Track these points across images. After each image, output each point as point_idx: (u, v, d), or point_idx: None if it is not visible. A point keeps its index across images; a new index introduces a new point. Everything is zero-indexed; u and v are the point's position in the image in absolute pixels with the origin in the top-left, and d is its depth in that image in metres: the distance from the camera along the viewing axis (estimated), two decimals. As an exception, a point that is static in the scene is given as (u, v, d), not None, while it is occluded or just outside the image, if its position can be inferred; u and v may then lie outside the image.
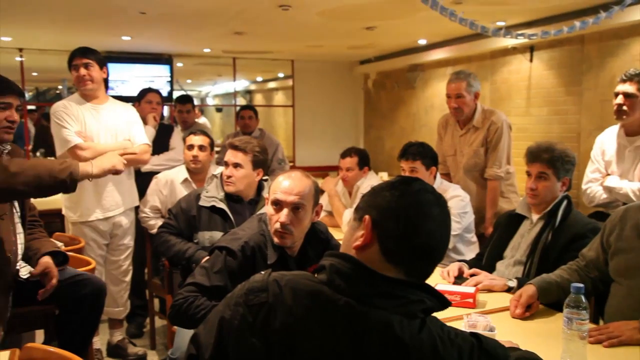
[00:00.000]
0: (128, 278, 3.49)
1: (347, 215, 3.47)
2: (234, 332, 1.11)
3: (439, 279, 2.36)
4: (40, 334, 2.61)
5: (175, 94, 6.65)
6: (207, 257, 2.55)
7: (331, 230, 2.33)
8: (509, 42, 4.99)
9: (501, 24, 4.79)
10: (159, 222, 3.32)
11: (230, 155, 2.70)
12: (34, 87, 9.79)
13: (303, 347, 1.07)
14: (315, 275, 1.14)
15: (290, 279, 1.13)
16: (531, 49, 5.24)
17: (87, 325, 2.33)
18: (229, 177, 2.69)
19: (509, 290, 2.20)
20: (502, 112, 3.51)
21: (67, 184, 2.07)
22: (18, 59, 6.40)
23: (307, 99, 7.87)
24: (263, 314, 1.09)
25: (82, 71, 3.11)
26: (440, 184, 3.12)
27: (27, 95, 7.20)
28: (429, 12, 3.44)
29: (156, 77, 6.89)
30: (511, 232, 2.47)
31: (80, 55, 3.13)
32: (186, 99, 4.73)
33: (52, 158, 2.06)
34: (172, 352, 2.38)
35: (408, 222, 1.11)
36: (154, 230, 3.31)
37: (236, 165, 2.68)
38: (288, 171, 2.05)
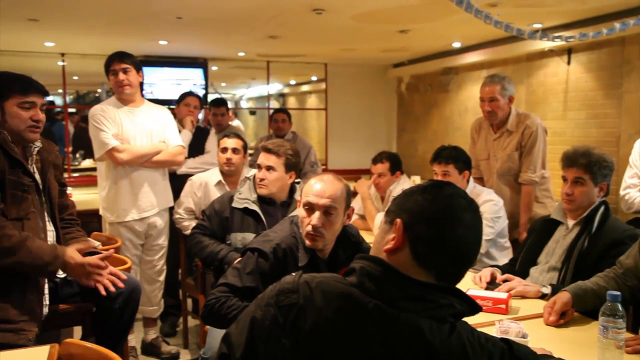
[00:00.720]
0: (162, 278, 3.56)
1: (379, 218, 3.46)
2: (264, 333, 1.12)
3: (471, 284, 2.34)
4: (77, 330, 2.68)
5: (210, 97, 6.75)
6: (240, 259, 2.60)
7: (363, 234, 2.33)
8: (545, 44, 4.90)
9: (537, 26, 4.72)
10: (193, 224, 3.37)
11: (263, 158, 2.73)
12: (74, 90, 10.05)
13: (332, 348, 1.08)
14: (346, 278, 1.14)
15: (320, 281, 1.14)
16: (569, 51, 5.13)
17: (122, 323, 2.38)
18: (261, 179, 2.72)
19: (543, 296, 2.16)
20: (538, 116, 3.45)
21: (45, 274, 2.13)
22: (60, 63, 6.60)
23: (340, 102, 7.89)
24: (293, 315, 1.10)
25: (121, 76, 3.19)
26: (473, 188, 3.08)
27: (68, 98, 7.41)
28: (464, 14, 3.41)
29: (191, 80, 7.01)
30: (546, 238, 2.43)
31: (118, 60, 3.21)
32: (220, 102, 4.80)
33: (36, 241, 2.05)
34: (204, 352, 2.42)
35: (440, 226, 1.11)
36: (188, 231, 3.36)
37: (269, 168, 2.71)
38: (320, 174, 2.06)
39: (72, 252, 2.17)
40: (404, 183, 3.64)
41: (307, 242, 1.97)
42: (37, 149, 2.26)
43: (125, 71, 3.20)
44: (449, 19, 4.55)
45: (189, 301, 3.96)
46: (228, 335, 1.21)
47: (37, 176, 2.24)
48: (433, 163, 3.04)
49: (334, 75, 7.83)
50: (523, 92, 5.63)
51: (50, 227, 2.29)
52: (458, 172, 2.99)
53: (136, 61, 3.28)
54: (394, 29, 5.05)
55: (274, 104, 10.30)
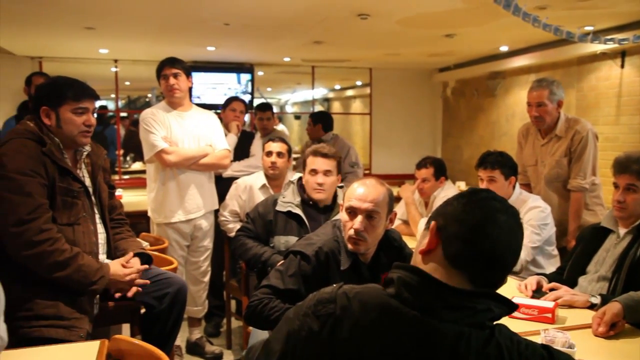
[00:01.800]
0: (207, 279, 3.63)
1: (423, 224, 3.44)
2: (300, 343, 1.13)
3: (516, 292, 2.30)
4: (125, 328, 2.76)
5: (256, 102, 6.85)
6: (282, 261, 2.63)
7: (406, 239, 2.32)
8: (597, 47, 4.75)
9: (589, 28, 4.58)
10: (237, 226, 3.43)
11: (321, 163, 2.75)
12: (125, 95, 10.38)
13: (370, 359, 1.08)
14: (386, 289, 1.15)
15: (359, 292, 1.14)
16: (622, 54, 4.96)
17: (169, 322, 2.43)
18: (320, 184, 2.74)
19: (592, 307, 2.10)
20: (588, 121, 3.35)
21: (88, 291, 2.16)
22: (113, 69, 6.84)
23: (385, 106, 7.86)
24: (330, 324, 1.11)
25: (172, 81, 3.28)
26: (519, 195, 3.02)
27: (120, 103, 7.67)
28: (511, 18, 3.36)
29: (237, 85, 7.12)
30: (596, 246, 2.35)
31: (170, 65, 3.30)
32: (266, 107, 4.87)
33: (86, 259, 2.15)
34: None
35: (472, 225, 1.11)
36: (233, 234, 3.43)
37: (326, 172, 2.74)
38: (363, 178, 2.07)
39: (116, 269, 2.24)
40: (449, 189, 3.60)
41: (350, 246, 1.98)
42: (86, 153, 2.32)
43: (175, 76, 3.29)
44: (496, 23, 4.47)
45: (233, 302, 4.02)
46: (268, 342, 1.22)
47: (87, 180, 2.31)
48: (478, 168, 3.00)
49: (379, 80, 7.82)
50: (573, 96, 5.48)
51: (101, 229, 2.36)
52: (504, 177, 2.94)
53: (186, 66, 3.36)
54: (439, 34, 5.00)
55: (319, 109, 10.35)
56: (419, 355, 1.06)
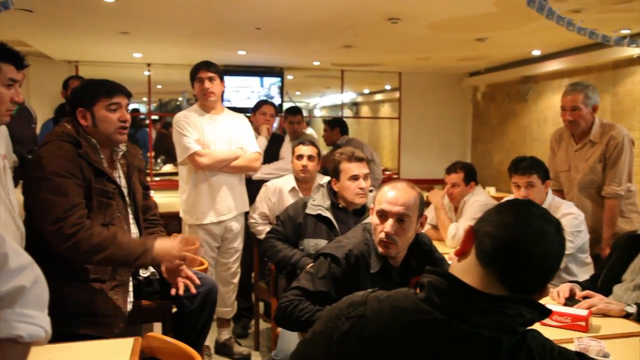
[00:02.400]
0: (236, 280, 3.67)
1: (452, 229, 3.41)
2: (334, 345, 1.15)
3: (548, 299, 2.26)
4: (157, 327, 2.81)
5: (285, 106, 6.90)
6: (312, 264, 2.64)
7: (435, 244, 2.31)
8: (633, 51, 4.65)
9: (625, 32, 4.49)
10: (267, 228, 3.46)
11: (361, 167, 2.77)
12: (157, 98, 10.56)
13: None
14: (416, 293, 1.16)
15: (389, 296, 1.17)
16: (660, 58, 4.86)
17: (200, 322, 2.46)
18: (363, 189, 2.75)
19: (627, 316, 2.06)
20: (624, 127, 3.29)
21: (135, 267, 2.21)
22: (146, 73, 6.98)
23: (414, 111, 7.83)
24: (359, 326, 1.13)
25: (207, 84, 3.32)
26: (552, 200, 2.98)
27: (152, 106, 7.81)
28: (544, 21, 3.32)
29: (261, 89, 7.18)
30: (631, 255, 2.30)
31: (205, 68, 3.34)
32: (296, 110, 4.92)
33: (126, 236, 2.21)
34: (276, 354, 2.48)
35: (502, 223, 1.13)
36: (262, 236, 3.45)
37: (366, 177, 2.77)
38: (394, 182, 2.07)
39: (162, 242, 2.24)
40: (479, 194, 3.57)
41: (380, 249, 1.98)
42: (122, 153, 2.35)
43: (211, 79, 3.33)
44: (529, 27, 4.43)
45: (261, 304, 4.04)
46: (302, 342, 1.25)
47: (122, 180, 2.35)
48: (514, 174, 2.95)
49: (408, 84, 7.79)
50: (608, 101, 5.37)
51: (134, 229, 2.40)
52: (541, 182, 2.90)
53: (220, 70, 3.41)
54: (471, 37, 4.97)
55: (347, 113, 10.37)
56: (444, 359, 1.06)
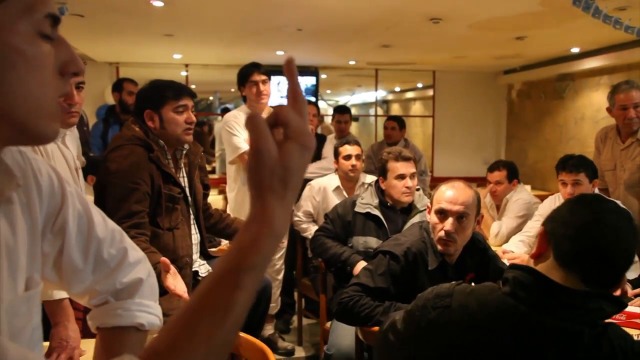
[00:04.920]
0: (280, 276, 3.74)
1: (495, 227, 3.44)
2: (421, 330, 1.23)
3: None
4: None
5: (320, 105, 6.96)
6: (362, 261, 2.70)
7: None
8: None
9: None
10: (311, 226, 3.54)
11: (409, 167, 2.82)
12: (191, 98, 10.72)
13: (482, 351, 1.15)
14: (500, 288, 1.21)
15: (475, 289, 1.22)
16: None
17: (256, 317, 2.55)
18: (409, 188, 2.81)
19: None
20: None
21: None
22: (183, 73, 7.12)
23: (447, 109, 7.81)
24: (446, 316, 1.20)
25: (261, 86, 3.38)
26: (598, 200, 2.98)
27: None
28: (587, 18, 3.31)
29: (303, 88, 7.24)
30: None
31: (259, 71, 3.40)
32: (345, 110, 4.99)
33: (148, 253, 2.04)
34: (328, 348, 2.54)
35: (579, 225, 1.15)
36: (306, 234, 3.53)
37: (412, 175, 2.82)
38: (450, 181, 2.12)
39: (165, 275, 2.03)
40: (521, 192, 3.59)
41: (439, 247, 2.03)
42: (185, 152, 2.39)
43: (264, 82, 3.40)
44: (570, 24, 4.40)
45: (303, 301, 4.12)
46: (394, 325, 1.33)
47: (185, 181, 2.39)
48: (561, 172, 2.96)
49: (442, 82, 7.78)
50: (650, 99, 5.30)
51: (194, 230, 2.46)
52: (589, 180, 2.91)
53: (269, 72, 3.48)
54: (510, 36, 4.96)
55: (379, 111, 10.38)
56: (531, 350, 1.11)
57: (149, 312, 1.03)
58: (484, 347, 1.15)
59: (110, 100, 5.16)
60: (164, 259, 1.97)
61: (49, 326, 1.69)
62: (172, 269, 1.98)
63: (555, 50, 5.93)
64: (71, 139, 2.11)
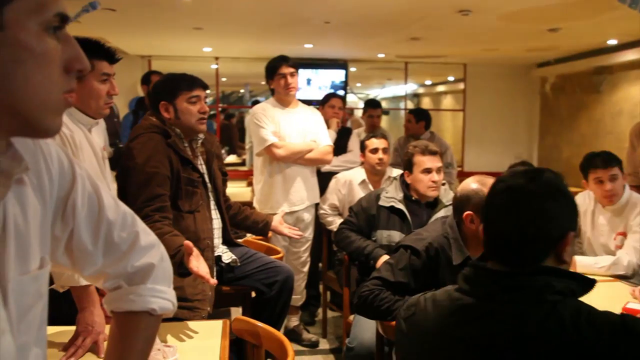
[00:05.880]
0: (306, 269, 3.75)
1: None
2: (403, 343, 1.37)
3: (629, 297, 2.23)
4: (235, 311, 2.94)
5: (349, 98, 6.95)
6: (385, 255, 2.69)
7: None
8: None
9: None
10: (336, 219, 3.54)
11: (435, 161, 2.80)
12: (220, 91, 10.86)
13: (444, 348, 1.22)
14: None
15: (434, 293, 1.30)
16: None
17: (277, 308, 2.56)
18: (435, 182, 2.79)
19: None
20: None
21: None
22: (213, 66, 7.18)
23: (479, 103, 7.70)
24: (412, 325, 1.31)
25: (290, 79, 3.39)
26: (629, 196, 2.89)
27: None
28: (624, 10, 3.22)
29: (332, 81, 7.24)
30: None
31: (287, 64, 3.40)
32: (377, 104, 4.98)
33: (172, 236, 2.14)
34: (350, 341, 2.54)
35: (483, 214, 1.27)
36: (332, 227, 3.53)
37: (438, 170, 2.80)
38: (482, 178, 2.07)
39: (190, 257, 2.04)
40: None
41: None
42: (200, 141, 2.46)
43: (292, 75, 3.40)
44: (607, 15, 4.27)
45: (328, 293, 4.13)
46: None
47: (203, 168, 2.46)
48: (594, 169, 2.82)
49: (474, 75, 7.67)
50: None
51: (215, 215, 2.50)
52: (621, 173, 2.83)
53: (297, 64, 3.48)
54: (543, 28, 4.85)
55: (409, 105, 10.30)
56: (482, 339, 1.15)
57: (161, 297, 1.04)
58: (443, 347, 1.21)
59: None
60: (187, 242, 2.00)
61: (75, 311, 1.74)
62: (195, 251, 2.01)
63: (591, 43, 5.78)
64: (98, 130, 2.16)
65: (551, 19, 4.50)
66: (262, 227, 2.80)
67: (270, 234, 3.27)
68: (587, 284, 1.15)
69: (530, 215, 1.16)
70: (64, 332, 1.74)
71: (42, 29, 0.68)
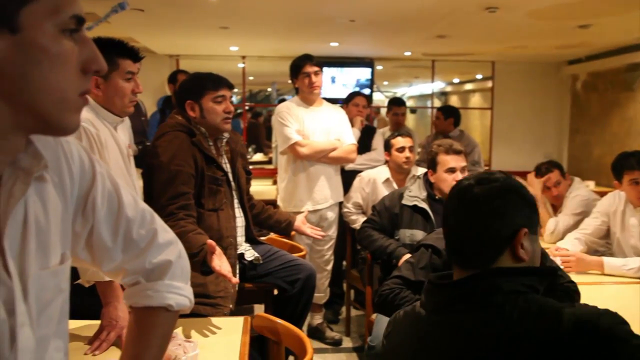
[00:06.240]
0: (329, 267, 3.76)
1: (552, 224, 3.32)
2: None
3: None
4: (258, 308, 2.96)
5: (374, 96, 6.93)
6: (407, 254, 2.68)
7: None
8: None
9: None
10: (360, 218, 3.54)
11: (459, 160, 2.77)
12: (248, 89, 10.94)
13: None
14: None
15: (406, 309, 1.31)
16: None
17: (299, 305, 2.57)
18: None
19: None
20: None
21: (195, 264, 2.05)
22: (240, 65, 7.24)
23: (507, 101, 7.59)
24: (388, 341, 1.33)
25: (314, 78, 3.41)
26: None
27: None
28: (658, 6, 3.13)
29: (358, 80, 7.22)
30: None
31: (311, 63, 3.41)
32: (401, 102, 4.97)
33: (196, 234, 2.17)
34: (372, 340, 2.53)
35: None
36: (355, 225, 3.53)
37: (463, 169, 2.78)
38: None
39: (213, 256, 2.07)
40: (579, 188, 3.48)
41: None
42: (225, 140, 2.49)
43: (316, 73, 3.41)
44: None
45: (352, 291, 4.13)
46: None
47: (227, 166, 2.49)
48: (631, 170, 2.71)
49: (502, 73, 7.55)
50: None
51: (239, 213, 2.53)
52: None
53: (321, 63, 3.49)
54: (573, 25, 4.75)
55: (436, 103, 10.22)
56: (435, 351, 1.15)
57: (178, 294, 1.06)
58: (410, 356, 1.22)
59: (171, 91, 5.34)
60: (210, 240, 2.02)
61: (100, 306, 1.78)
62: (218, 250, 2.04)
63: (624, 39, 5.63)
64: (124, 128, 2.20)
65: (581, 15, 4.41)
66: (285, 227, 2.82)
67: (293, 232, 3.29)
68: (547, 274, 1.15)
69: (477, 214, 1.17)
70: (89, 325, 1.78)
71: (58, 31, 0.70)
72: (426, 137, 5.46)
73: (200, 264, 2.10)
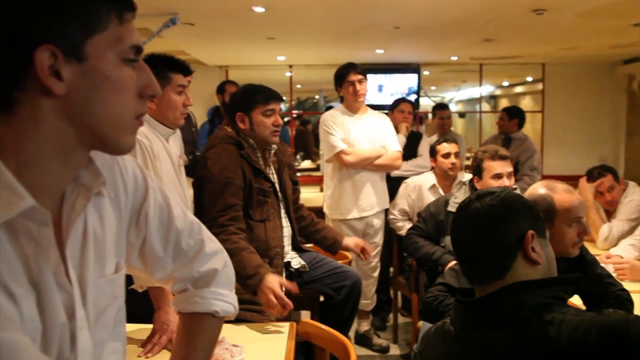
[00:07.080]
0: (376, 274, 3.77)
1: (605, 230, 3.21)
2: None
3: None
4: (304, 315, 3.00)
5: (422, 102, 6.89)
6: (454, 261, 2.66)
7: (586, 245, 2.23)
8: None
9: None
10: (406, 224, 3.54)
11: (505, 166, 2.75)
12: (295, 97, 11.06)
13: None
14: None
15: (437, 325, 1.31)
16: None
17: (345, 312, 2.60)
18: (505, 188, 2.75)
19: None
20: None
21: (246, 285, 2.13)
22: (288, 74, 7.35)
23: (559, 103, 7.38)
24: (422, 357, 1.33)
25: (358, 86, 3.44)
26: None
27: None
28: None
29: (405, 85, 7.20)
30: None
31: (355, 71, 3.45)
32: (444, 106, 4.97)
33: (249, 253, 2.22)
34: (417, 348, 2.54)
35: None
36: (402, 232, 3.53)
37: (509, 175, 2.75)
38: (553, 183, 2.02)
39: (272, 280, 2.12)
40: (635, 192, 3.35)
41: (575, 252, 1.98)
42: (273, 151, 2.54)
43: (360, 82, 3.45)
44: (700, 7, 3.99)
45: (400, 298, 4.12)
46: None
47: (274, 177, 2.54)
48: None
49: (552, 75, 7.36)
50: None
51: (285, 223, 2.58)
52: None
53: (365, 71, 3.52)
54: (625, 23, 4.59)
55: (485, 107, 10.05)
56: None
57: (224, 300, 1.12)
58: None
59: (222, 102, 5.48)
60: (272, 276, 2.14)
61: (152, 310, 1.87)
62: (275, 283, 2.12)
63: (682, 36, 5.40)
64: (175, 139, 2.30)
65: (634, 14, 4.26)
66: (330, 245, 2.80)
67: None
68: (570, 282, 1.14)
69: (480, 225, 1.19)
70: (143, 329, 1.87)
71: (119, 60, 0.78)
72: (488, 138, 5.41)
73: (252, 288, 2.15)
